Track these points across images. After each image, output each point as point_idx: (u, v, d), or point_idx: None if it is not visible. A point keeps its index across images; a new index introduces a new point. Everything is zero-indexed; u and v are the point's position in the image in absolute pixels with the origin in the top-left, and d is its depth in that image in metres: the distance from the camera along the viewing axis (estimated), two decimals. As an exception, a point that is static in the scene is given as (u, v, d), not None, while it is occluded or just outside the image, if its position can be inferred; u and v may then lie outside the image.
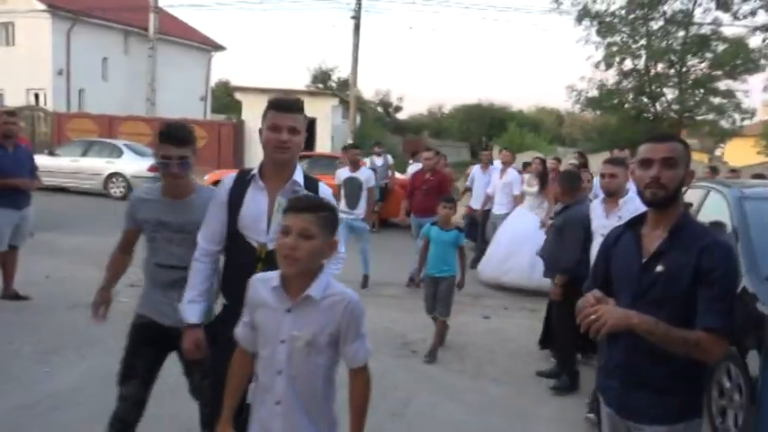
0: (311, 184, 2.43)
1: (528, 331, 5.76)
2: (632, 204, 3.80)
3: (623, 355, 1.90)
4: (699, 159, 25.31)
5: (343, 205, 6.89)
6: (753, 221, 4.03)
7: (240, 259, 2.34)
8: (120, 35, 25.58)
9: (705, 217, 4.93)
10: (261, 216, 2.33)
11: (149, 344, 2.62)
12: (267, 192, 2.35)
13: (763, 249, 3.67)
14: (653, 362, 1.85)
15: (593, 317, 1.78)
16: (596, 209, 4.35)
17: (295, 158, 2.38)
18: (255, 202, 2.34)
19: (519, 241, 7.37)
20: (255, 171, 2.38)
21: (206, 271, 2.45)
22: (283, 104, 2.33)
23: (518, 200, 8.27)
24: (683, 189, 1.95)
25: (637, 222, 2.02)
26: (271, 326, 1.83)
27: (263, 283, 1.87)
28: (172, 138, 2.51)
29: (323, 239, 1.79)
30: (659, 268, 1.85)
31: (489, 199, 8.69)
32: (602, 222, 4.09)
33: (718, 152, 31.17)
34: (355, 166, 7.20)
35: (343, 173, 7.23)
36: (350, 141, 17.90)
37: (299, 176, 2.38)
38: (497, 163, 9.40)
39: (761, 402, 2.10)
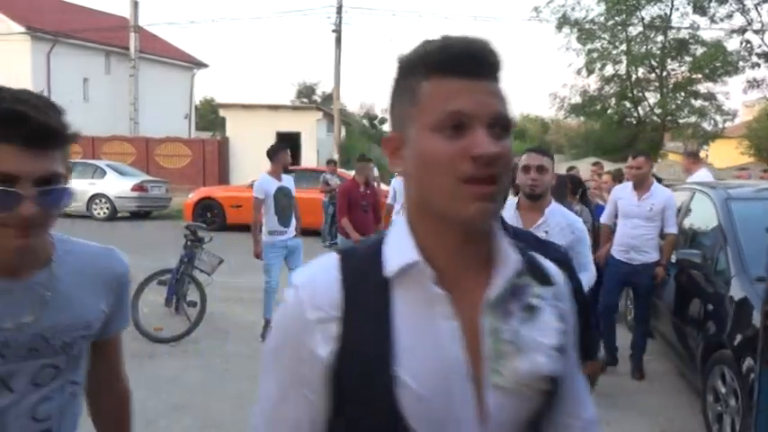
0: (533, 261, 0.94)
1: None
2: (561, 216, 2.71)
3: None
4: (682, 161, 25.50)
5: (273, 223, 5.45)
6: (739, 222, 4.01)
7: None
8: (101, 55, 25.44)
9: (692, 219, 4.92)
10: (451, 373, 0.81)
11: None
12: (453, 306, 0.83)
13: (752, 251, 3.63)
14: None
15: None
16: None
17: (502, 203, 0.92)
18: (428, 339, 0.82)
19: None
20: (414, 256, 0.83)
21: None
22: (468, 59, 0.83)
23: None
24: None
25: None
26: None
27: None
28: (34, 134, 1.02)
29: None
30: None
31: None
32: None
33: (702, 154, 31.50)
34: (282, 172, 5.67)
35: (271, 183, 5.48)
36: (335, 155, 17.91)
37: (511, 251, 0.89)
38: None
39: (758, 407, 2.04)
